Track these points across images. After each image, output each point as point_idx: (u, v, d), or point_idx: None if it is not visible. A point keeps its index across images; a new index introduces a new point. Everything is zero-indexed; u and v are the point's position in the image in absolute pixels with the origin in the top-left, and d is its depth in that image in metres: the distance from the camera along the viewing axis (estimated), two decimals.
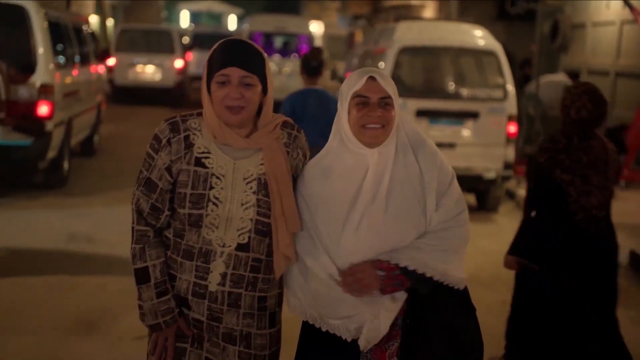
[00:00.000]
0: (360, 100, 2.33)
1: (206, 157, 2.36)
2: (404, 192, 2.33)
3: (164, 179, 2.37)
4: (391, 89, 2.35)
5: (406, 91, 8.19)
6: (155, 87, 18.51)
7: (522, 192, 9.32)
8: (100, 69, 11.54)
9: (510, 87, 8.40)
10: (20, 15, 7.96)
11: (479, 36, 8.84)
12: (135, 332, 4.58)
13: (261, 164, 2.38)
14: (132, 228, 2.39)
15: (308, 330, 2.41)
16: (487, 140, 8.18)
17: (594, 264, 3.94)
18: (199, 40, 22.93)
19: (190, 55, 21.15)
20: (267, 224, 2.37)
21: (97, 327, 4.78)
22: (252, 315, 2.40)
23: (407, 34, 8.65)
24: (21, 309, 5.05)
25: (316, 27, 29.43)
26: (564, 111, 3.97)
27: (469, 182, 8.11)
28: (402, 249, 2.32)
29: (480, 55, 8.60)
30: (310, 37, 18.98)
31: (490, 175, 8.28)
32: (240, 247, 2.36)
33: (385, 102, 2.33)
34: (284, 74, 17.67)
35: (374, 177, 2.33)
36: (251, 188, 2.36)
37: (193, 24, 39.02)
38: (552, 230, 3.88)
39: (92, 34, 11.30)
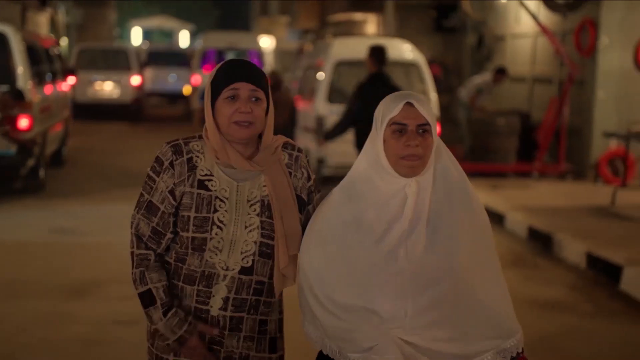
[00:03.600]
0: (397, 128, 2.18)
1: (209, 180, 2.33)
2: (447, 228, 2.20)
3: (167, 202, 2.33)
4: (429, 114, 2.20)
5: (343, 99, 9.45)
6: (113, 103, 19.51)
7: None
8: (66, 86, 12.58)
9: (432, 93, 9.70)
10: (0, 40, 9.02)
11: (405, 50, 10.14)
12: (118, 295, 5.74)
13: (264, 186, 2.35)
14: (132, 253, 2.35)
15: None
16: None
17: None
18: (154, 58, 23.96)
19: (146, 72, 22.18)
20: (271, 246, 2.34)
21: (87, 292, 5.90)
22: (252, 339, 2.37)
23: (342, 49, 9.93)
24: (22, 281, 6.16)
25: (267, 42, 30.59)
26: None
27: None
28: (509, 328, 2.25)
29: (405, 66, 9.90)
30: (260, 52, 20.19)
31: None
32: (244, 271, 2.33)
33: (424, 129, 2.19)
34: None
35: (414, 207, 2.18)
36: (255, 210, 2.34)
37: (146, 41, 39.71)
38: None
39: (59, 55, 12.37)
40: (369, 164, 2.25)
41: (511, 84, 13.73)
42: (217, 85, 2.32)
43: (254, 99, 2.31)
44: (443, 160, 2.25)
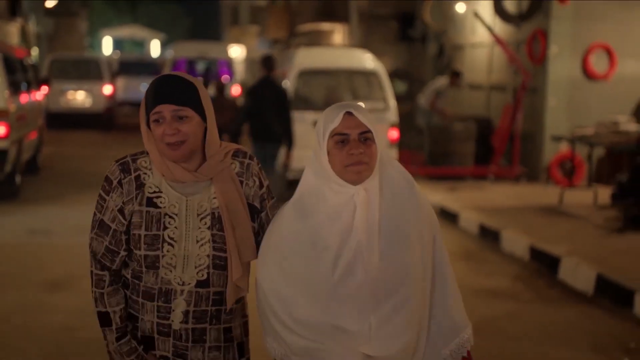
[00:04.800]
0: (340, 139, 2.21)
1: (158, 197, 2.35)
2: (400, 232, 2.24)
3: (117, 221, 2.36)
4: (369, 122, 2.22)
5: (306, 106, 10.00)
6: (86, 112, 19.83)
7: None
8: (40, 95, 12.95)
9: (391, 100, 10.24)
10: None
11: (365, 59, 10.69)
12: None
13: (214, 198, 2.36)
14: (91, 272, 2.41)
15: None
16: None
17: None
18: (125, 67, 24.31)
19: (118, 82, 22.53)
20: (223, 258, 2.35)
21: (64, 286, 6.33)
22: (218, 348, 2.40)
23: (305, 59, 10.45)
24: (1, 276, 6.57)
25: (238, 51, 31.03)
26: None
27: None
28: (454, 324, 2.30)
29: (366, 74, 10.44)
30: (229, 62, 20.65)
31: None
32: (200, 284, 2.35)
33: (365, 137, 2.21)
34: None
35: (364, 216, 2.21)
36: (205, 224, 2.35)
37: (117, 51, 39.92)
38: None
39: (34, 65, 12.75)
40: (316, 177, 2.26)
41: (470, 91, 14.34)
42: (147, 106, 2.33)
43: (179, 117, 2.30)
44: (387, 167, 2.28)
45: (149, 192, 2.35)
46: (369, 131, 2.22)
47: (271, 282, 2.26)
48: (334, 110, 2.25)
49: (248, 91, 9.01)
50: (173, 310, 2.35)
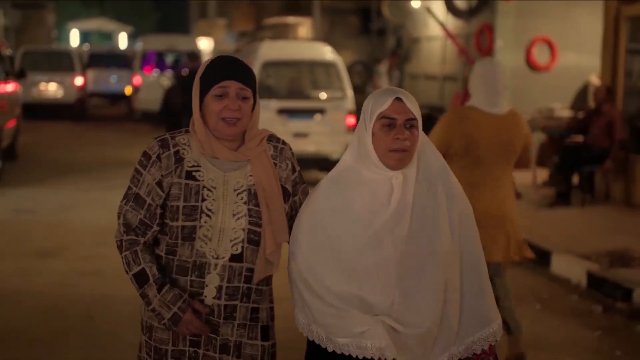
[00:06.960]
0: (387, 122, 2.26)
1: (196, 170, 2.40)
2: (431, 217, 2.28)
3: (154, 194, 2.40)
4: (416, 110, 2.29)
5: (270, 94, 10.83)
6: (57, 103, 20.41)
7: None
8: (17, 85, 13.58)
9: (348, 89, 11.10)
10: None
11: (325, 51, 11.53)
12: (79, 256, 6.98)
13: (250, 176, 2.42)
14: (120, 241, 2.42)
15: (314, 350, 2.35)
16: (331, 129, 10.83)
17: None
18: (95, 59, 24.86)
19: (88, 74, 23.12)
20: (258, 233, 2.39)
21: (53, 255, 7.10)
22: (244, 326, 2.44)
23: (268, 51, 11.25)
24: None
25: (206, 44, 31.68)
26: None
27: (319, 162, 10.75)
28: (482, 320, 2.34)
29: (325, 66, 11.29)
30: (198, 54, 21.34)
31: (335, 156, 10.90)
32: (234, 258, 2.39)
33: (411, 124, 2.27)
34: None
35: (399, 198, 2.27)
36: (242, 199, 2.40)
37: (87, 43, 40.23)
38: None
39: (10, 57, 13.38)
40: (356, 157, 2.33)
41: (425, 81, 15.25)
42: (207, 81, 2.39)
43: (242, 97, 2.39)
44: (426, 152, 2.35)
45: (187, 166, 2.41)
46: (415, 118, 2.29)
47: (303, 250, 2.34)
48: (384, 94, 2.31)
49: (183, 85, 10.29)
50: (206, 286, 2.40)
